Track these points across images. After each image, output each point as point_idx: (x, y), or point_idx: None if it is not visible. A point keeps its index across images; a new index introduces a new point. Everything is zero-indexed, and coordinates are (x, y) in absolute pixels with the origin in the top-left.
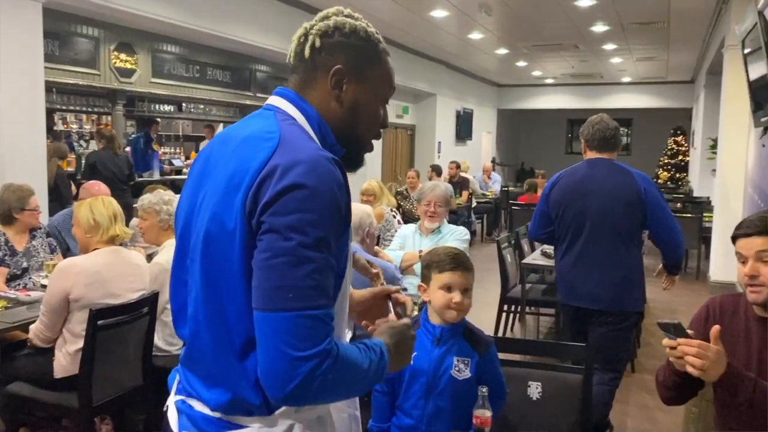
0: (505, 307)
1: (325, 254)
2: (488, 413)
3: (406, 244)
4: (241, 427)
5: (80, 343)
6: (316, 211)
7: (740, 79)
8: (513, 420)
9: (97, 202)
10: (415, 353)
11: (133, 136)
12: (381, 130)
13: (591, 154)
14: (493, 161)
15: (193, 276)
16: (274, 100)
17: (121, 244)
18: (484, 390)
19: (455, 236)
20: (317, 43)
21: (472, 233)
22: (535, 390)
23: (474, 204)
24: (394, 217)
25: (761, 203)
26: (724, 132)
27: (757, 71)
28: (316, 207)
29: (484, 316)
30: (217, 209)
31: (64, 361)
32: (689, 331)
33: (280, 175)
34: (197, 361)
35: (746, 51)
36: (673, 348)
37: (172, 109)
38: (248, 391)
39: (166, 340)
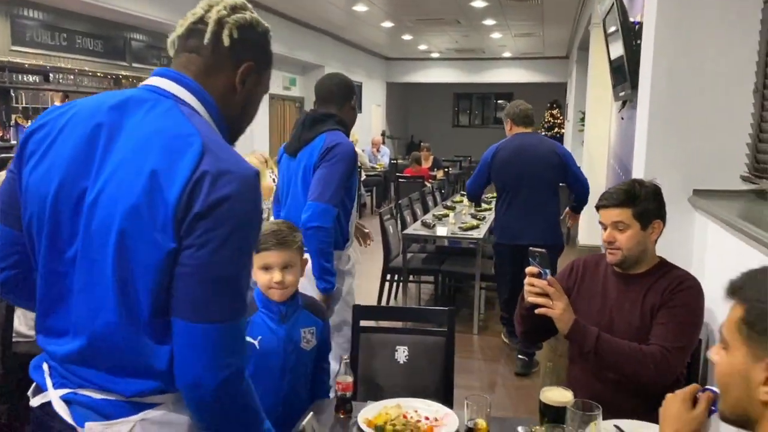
0: (388, 277)
1: (248, 266)
2: (349, 378)
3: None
4: (154, 405)
5: None
6: (246, 225)
7: (604, 56)
8: (382, 383)
9: None
10: (260, 337)
11: None
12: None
13: (517, 129)
14: (383, 134)
15: (90, 270)
16: (165, 84)
17: None
18: (346, 357)
19: None
20: (235, 35)
21: (362, 206)
22: (402, 354)
23: (363, 177)
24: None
25: (621, 173)
26: (590, 105)
27: (615, 51)
28: (244, 220)
29: (369, 287)
30: (137, 205)
31: None
32: (550, 278)
33: (211, 184)
34: (101, 356)
35: (608, 31)
36: (533, 275)
37: (37, 80)
38: (166, 374)
39: (28, 324)
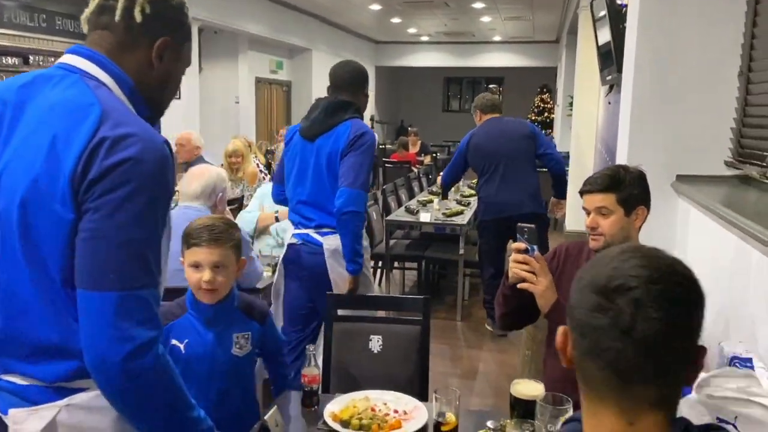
0: (372, 264)
1: (152, 230)
2: (316, 371)
3: (264, 203)
4: (80, 390)
5: None
6: (147, 188)
7: (592, 40)
8: (355, 373)
9: None
10: (186, 341)
11: None
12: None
13: (486, 117)
14: (372, 119)
15: (2, 249)
16: (75, 60)
17: None
18: (311, 348)
19: None
20: (147, 10)
21: None
22: (376, 343)
23: None
24: (262, 173)
25: (608, 158)
26: (578, 90)
27: (603, 36)
28: (145, 183)
29: None
30: (36, 177)
31: None
32: (537, 254)
33: (108, 148)
34: (19, 338)
35: (596, 15)
36: (520, 251)
37: (16, 62)
38: None
39: None
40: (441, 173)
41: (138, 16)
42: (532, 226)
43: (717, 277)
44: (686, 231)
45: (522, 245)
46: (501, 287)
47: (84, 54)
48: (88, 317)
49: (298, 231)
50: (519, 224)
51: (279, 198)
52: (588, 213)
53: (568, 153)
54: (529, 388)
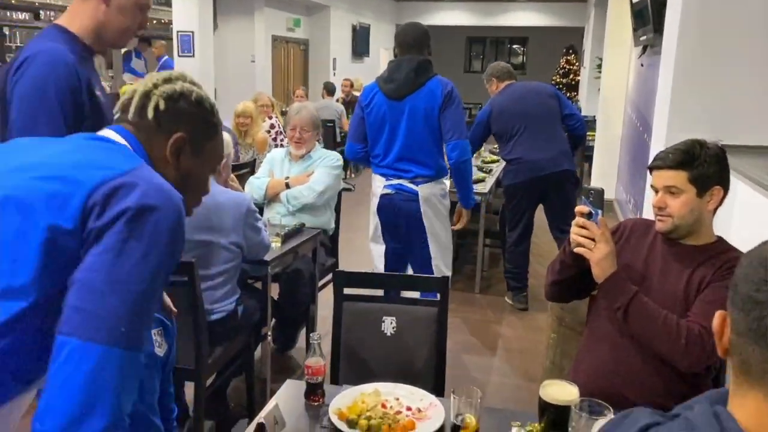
0: None
1: (160, 286)
2: (321, 361)
3: (274, 169)
4: None
5: None
6: (162, 239)
7: None
8: (366, 356)
9: None
10: None
11: None
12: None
13: (503, 84)
14: None
15: None
16: (114, 137)
17: None
18: (315, 336)
19: (325, 162)
20: (161, 105)
21: None
22: (389, 325)
23: None
24: (280, 134)
25: (638, 124)
26: (608, 51)
27: None
28: (162, 231)
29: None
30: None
31: None
32: (600, 218)
33: (126, 194)
34: None
35: None
36: (583, 215)
37: (27, 17)
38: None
39: None
40: None
41: (150, 113)
42: (600, 188)
43: None
44: (732, 206)
45: (585, 209)
46: (560, 253)
47: (123, 134)
48: (69, 366)
49: (390, 182)
50: (584, 186)
51: (357, 156)
52: (656, 191)
53: (594, 117)
54: (562, 392)
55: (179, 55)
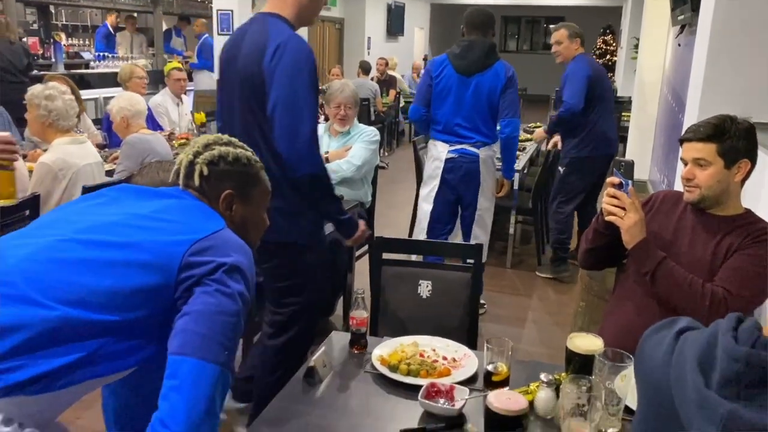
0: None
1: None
2: (364, 314)
3: None
4: None
5: None
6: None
7: None
8: (403, 317)
9: None
10: None
11: (34, 24)
12: None
13: (581, 50)
14: (425, 59)
15: None
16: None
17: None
18: (360, 291)
19: (363, 137)
20: (205, 171)
21: (401, 133)
22: (425, 288)
23: (402, 103)
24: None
25: (674, 104)
26: (645, 30)
27: None
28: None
29: (401, 217)
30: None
31: None
32: (630, 188)
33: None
34: None
35: None
36: (614, 185)
37: None
38: None
39: None
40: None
41: (197, 180)
42: (630, 160)
43: None
44: (762, 181)
45: (616, 179)
46: (593, 222)
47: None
48: (189, 382)
49: (454, 147)
50: (616, 158)
51: (420, 118)
52: (685, 164)
53: (630, 98)
54: (587, 343)
55: (218, 34)
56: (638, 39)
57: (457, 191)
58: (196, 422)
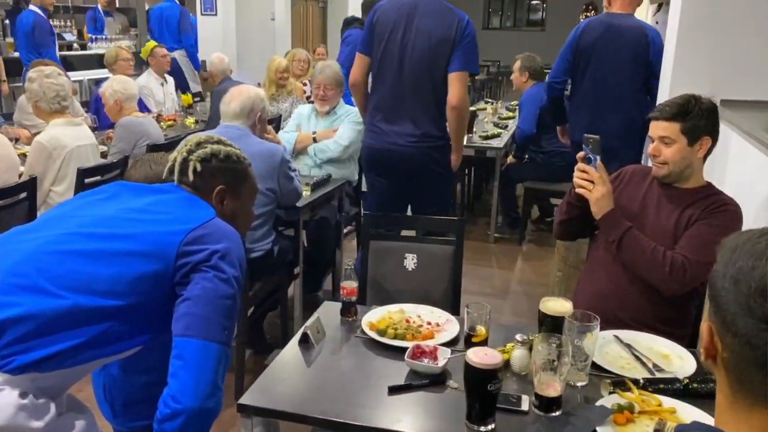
0: None
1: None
2: (354, 284)
3: (301, 123)
4: None
5: None
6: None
7: None
8: (390, 289)
9: None
10: None
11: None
12: None
13: (533, 81)
14: None
15: None
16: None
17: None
18: (349, 262)
19: (350, 118)
20: (198, 168)
21: None
22: (410, 261)
23: None
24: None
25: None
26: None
27: None
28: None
29: None
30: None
31: None
32: (599, 163)
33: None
34: None
35: None
36: (582, 160)
37: None
38: None
39: None
40: (481, 92)
41: (191, 176)
42: (597, 137)
43: (756, 204)
44: (726, 157)
45: (584, 154)
46: (566, 195)
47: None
48: (195, 360)
49: None
50: (585, 135)
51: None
52: (652, 140)
53: None
54: (558, 305)
55: (202, 14)
56: None
57: None
58: (203, 396)
